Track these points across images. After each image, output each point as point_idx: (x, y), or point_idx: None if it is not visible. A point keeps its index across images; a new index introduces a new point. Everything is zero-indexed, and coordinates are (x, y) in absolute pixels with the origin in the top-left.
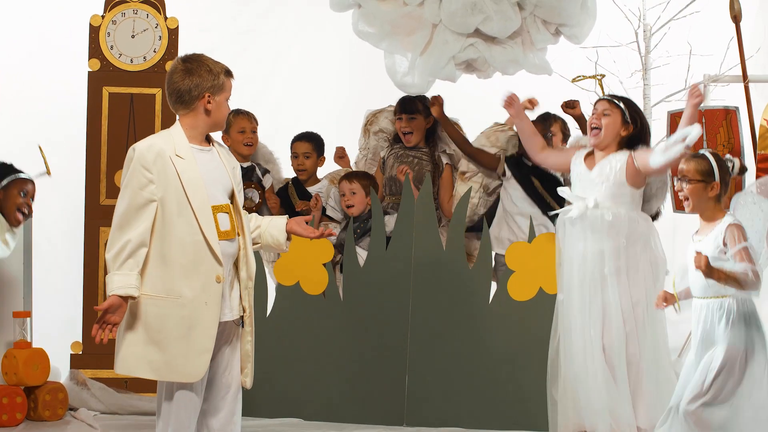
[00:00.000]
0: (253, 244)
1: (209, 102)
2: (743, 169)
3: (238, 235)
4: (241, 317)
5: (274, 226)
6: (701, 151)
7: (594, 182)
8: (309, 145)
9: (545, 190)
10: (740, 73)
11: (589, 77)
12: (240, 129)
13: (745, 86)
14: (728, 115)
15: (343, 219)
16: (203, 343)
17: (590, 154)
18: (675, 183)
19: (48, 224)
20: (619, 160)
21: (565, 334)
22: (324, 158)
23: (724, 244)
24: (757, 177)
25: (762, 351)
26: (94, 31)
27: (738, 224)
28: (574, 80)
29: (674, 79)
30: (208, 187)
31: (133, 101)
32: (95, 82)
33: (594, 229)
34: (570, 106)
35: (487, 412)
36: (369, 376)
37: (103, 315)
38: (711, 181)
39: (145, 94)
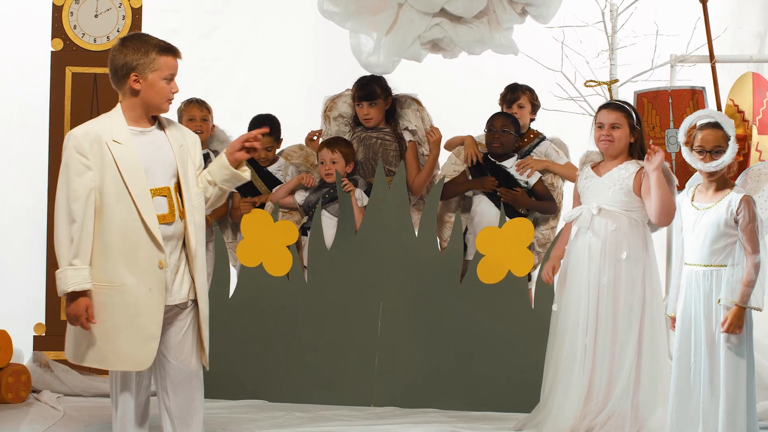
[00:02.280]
0: (218, 189)
1: (136, 81)
2: None
3: (182, 217)
4: (194, 300)
5: (214, 163)
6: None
7: (602, 187)
8: (269, 138)
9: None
10: (707, 54)
11: (602, 83)
12: (190, 117)
13: (711, 66)
14: (695, 95)
15: (303, 193)
16: (150, 330)
17: (597, 164)
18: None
19: (10, 205)
20: (629, 169)
21: (559, 339)
22: (282, 140)
23: (737, 214)
24: None
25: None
26: (57, 11)
27: (751, 198)
28: (586, 84)
29: (641, 59)
30: (147, 171)
31: (97, 81)
32: (58, 61)
33: (596, 237)
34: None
35: (456, 394)
36: (336, 358)
37: (73, 319)
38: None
39: (108, 74)
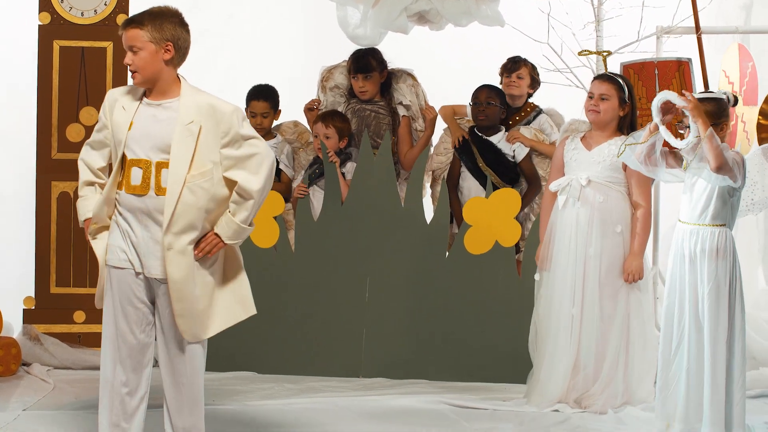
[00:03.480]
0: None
1: None
2: (736, 99)
3: (158, 193)
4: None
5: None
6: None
7: (591, 161)
8: (267, 104)
9: (488, 167)
10: (693, 25)
11: (595, 53)
12: None
13: (697, 38)
14: (681, 66)
15: (294, 174)
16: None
17: (585, 137)
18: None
19: None
20: (618, 145)
21: (545, 309)
22: (280, 111)
23: None
24: None
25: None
26: None
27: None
28: (580, 53)
29: (627, 30)
30: (133, 141)
31: (84, 55)
32: (46, 35)
33: (585, 208)
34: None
35: (444, 365)
36: (324, 330)
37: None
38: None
39: (96, 47)
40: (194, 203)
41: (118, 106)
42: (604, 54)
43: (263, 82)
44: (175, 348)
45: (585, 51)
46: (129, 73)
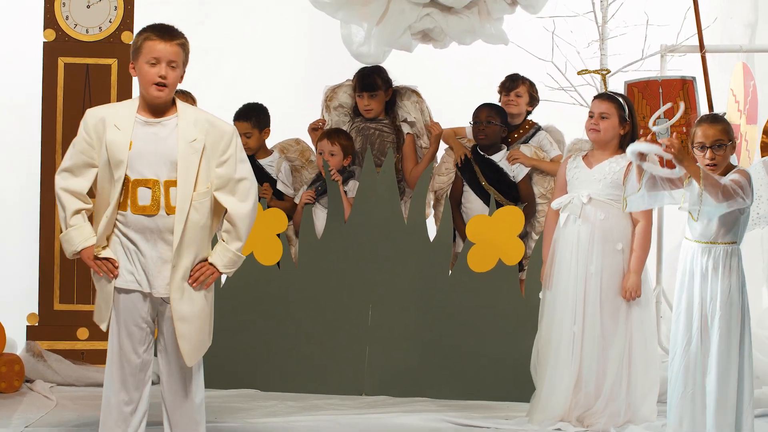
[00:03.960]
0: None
1: (133, 69)
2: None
3: (168, 212)
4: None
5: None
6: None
7: (592, 179)
8: (247, 124)
9: (491, 186)
10: (697, 44)
11: (594, 72)
12: None
13: (702, 56)
14: (685, 85)
15: (294, 194)
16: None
17: (587, 155)
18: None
19: (3, 195)
20: (620, 163)
21: (547, 327)
22: (269, 130)
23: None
24: None
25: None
26: (49, 2)
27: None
28: (579, 73)
29: (631, 49)
30: (136, 161)
31: (89, 71)
32: (51, 52)
33: (585, 226)
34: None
35: (446, 383)
36: (327, 347)
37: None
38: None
39: (100, 64)
40: (198, 221)
41: (110, 125)
42: (603, 73)
43: (261, 101)
44: (177, 366)
45: (584, 70)
46: (134, 88)
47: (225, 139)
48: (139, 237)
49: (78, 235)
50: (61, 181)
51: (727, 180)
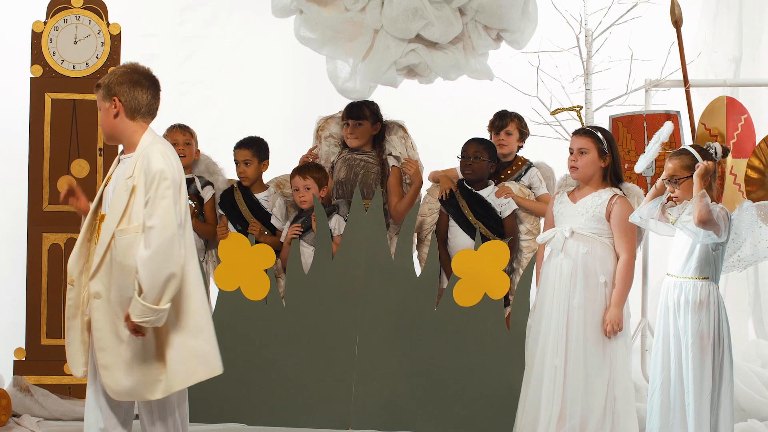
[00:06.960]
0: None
1: None
2: (726, 151)
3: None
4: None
5: None
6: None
7: (575, 213)
8: (248, 152)
9: (478, 220)
10: (681, 78)
11: (567, 109)
12: (173, 142)
13: (686, 91)
14: (669, 119)
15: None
16: None
17: (573, 191)
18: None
19: None
20: (602, 197)
21: (529, 358)
22: (267, 163)
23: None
24: None
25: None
26: (36, 37)
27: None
28: (552, 113)
29: (616, 83)
30: (106, 196)
31: (76, 107)
32: (38, 88)
33: (567, 260)
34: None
35: (433, 416)
36: (314, 381)
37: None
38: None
39: (87, 100)
40: (116, 256)
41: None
42: (577, 109)
43: (254, 134)
44: (143, 404)
45: (557, 110)
46: None
47: (149, 178)
48: None
49: None
50: None
51: (716, 209)
